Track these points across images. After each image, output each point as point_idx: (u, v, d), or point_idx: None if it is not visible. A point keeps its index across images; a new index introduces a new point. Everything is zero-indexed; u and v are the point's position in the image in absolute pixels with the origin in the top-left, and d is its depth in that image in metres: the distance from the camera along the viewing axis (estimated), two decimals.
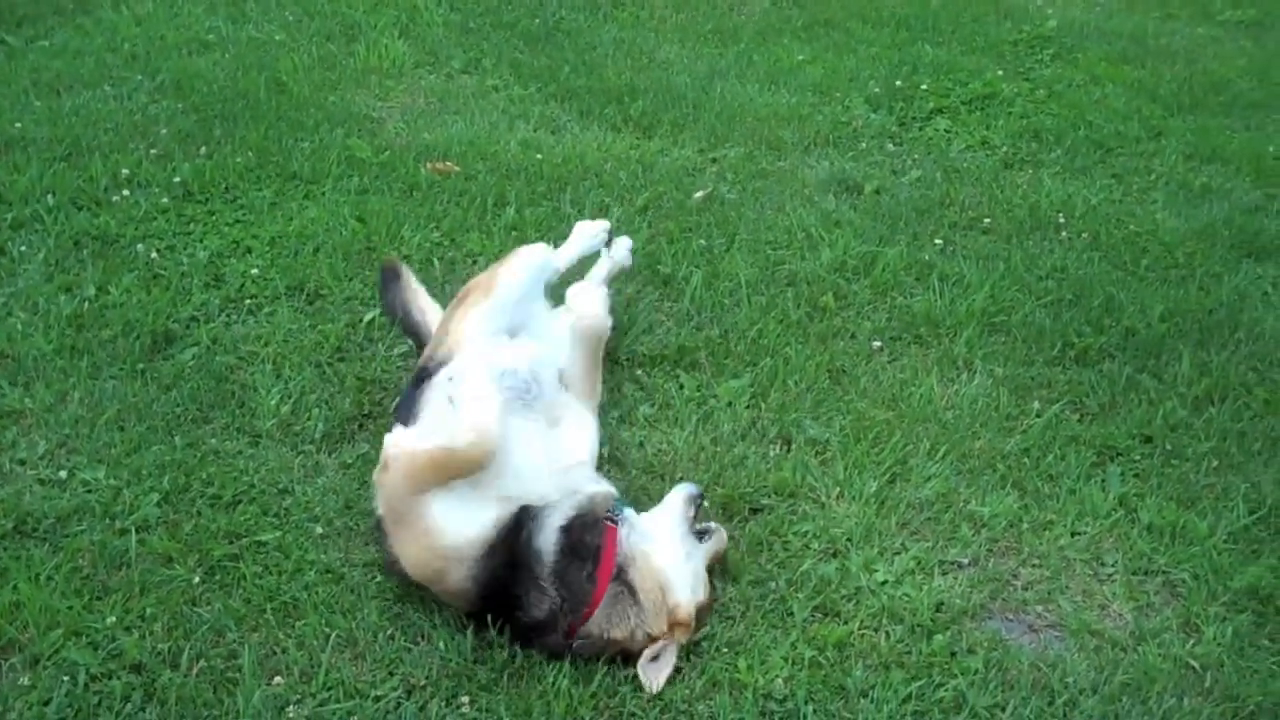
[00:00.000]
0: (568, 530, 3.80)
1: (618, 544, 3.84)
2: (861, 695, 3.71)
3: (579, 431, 4.37)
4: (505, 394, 4.08)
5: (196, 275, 5.53)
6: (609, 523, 3.89)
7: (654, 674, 3.68)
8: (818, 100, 8.22)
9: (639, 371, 5.12)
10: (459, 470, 3.76)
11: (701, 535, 4.04)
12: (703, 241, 6.18)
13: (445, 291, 5.49)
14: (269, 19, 8.83)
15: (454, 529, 3.74)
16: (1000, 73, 8.83)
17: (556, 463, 4.09)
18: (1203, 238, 6.62)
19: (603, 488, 4.06)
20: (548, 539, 3.77)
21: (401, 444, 3.88)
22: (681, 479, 4.36)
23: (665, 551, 3.89)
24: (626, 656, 3.75)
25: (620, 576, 3.79)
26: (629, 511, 4.03)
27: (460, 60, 8.48)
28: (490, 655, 3.70)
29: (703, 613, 3.86)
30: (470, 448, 3.77)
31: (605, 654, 3.74)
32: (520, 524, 3.78)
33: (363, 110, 7.54)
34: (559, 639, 3.71)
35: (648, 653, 3.71)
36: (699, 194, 6.72)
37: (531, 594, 3.71)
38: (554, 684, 3.59)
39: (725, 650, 3.81)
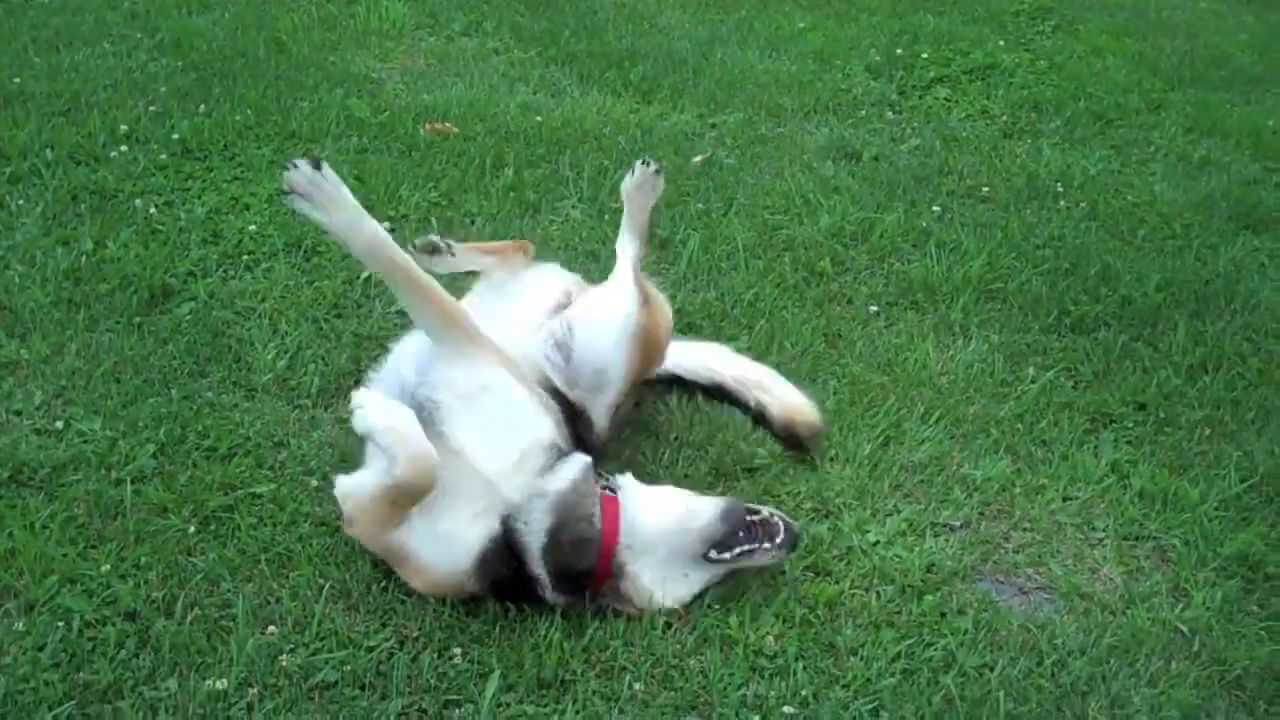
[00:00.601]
0: (554, 535, 3.70)
1: (618, 543, 3.77)
2: (851, 653, 3.72)
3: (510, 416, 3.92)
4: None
5: (194, 231, 5.52)
6: (607, 493, 3.85)
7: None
8: (818, 68, 8.23)
9: None
10: (411, 501, 3.63)
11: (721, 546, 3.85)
12: (701, 205, 6.18)
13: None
14: None
15: (442, 559, 3.66)
16: (1001, 43, 8.85)
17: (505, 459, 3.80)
18: (1200, 209, 6.64)
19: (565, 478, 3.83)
20: (536, 545, 3.69)
21: (350, 494, 3.72)
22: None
23: (663, 562, 3.82)
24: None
25: (619, 572, 3.76)
26: (629, 487, 3.93)
27: (461, 23, 8.47)
28: (483, 608, 3.71)
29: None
30: (414, 477, 3.58)
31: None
32: (510, 533, 3.69)
33: (362, 71, 7.53)
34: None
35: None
36: (698, 158, 6.73)
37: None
38: (546, 637, 3.60)
39: (716, 607, 3.82)
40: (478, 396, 3.84)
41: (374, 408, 3.67)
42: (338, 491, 3.77)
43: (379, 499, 3.63)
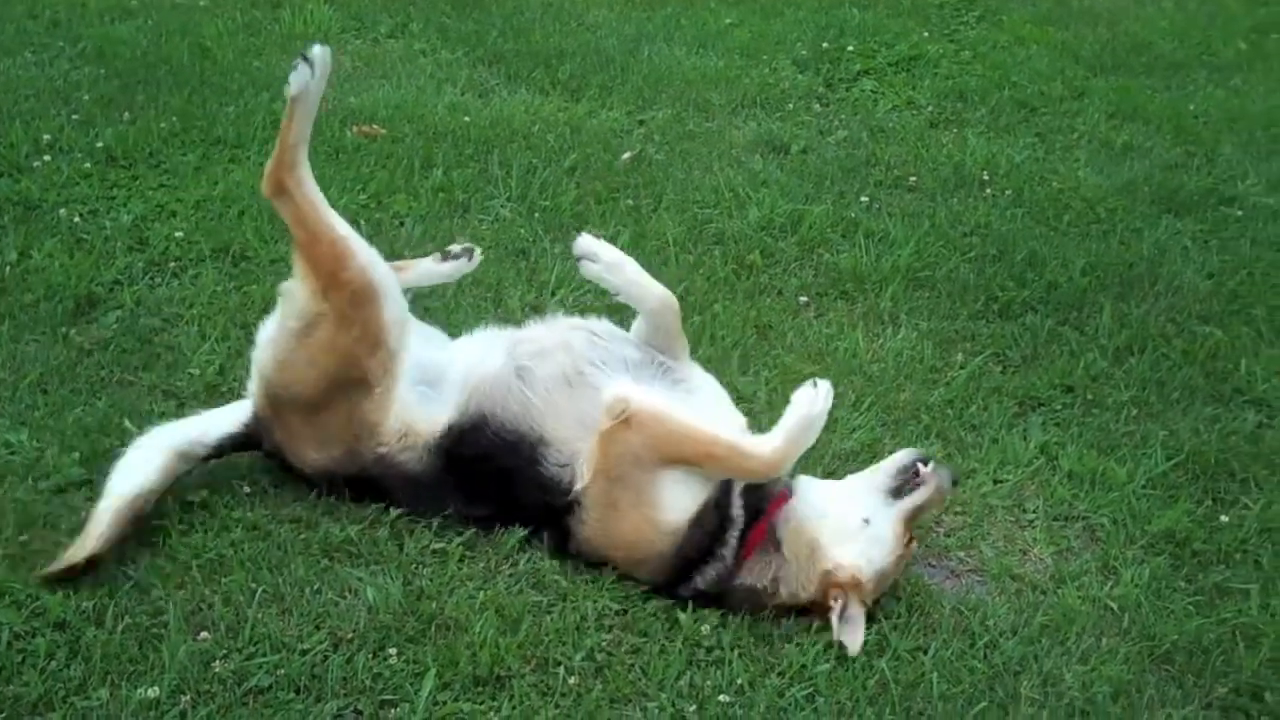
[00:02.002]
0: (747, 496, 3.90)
1: (781, 509, 3.89)
2: (786, 640, 3.75)
3: (718, 399, 4.25)
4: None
5: (120, 239, 5.48)
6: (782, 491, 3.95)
7: (847, 635, 3.71)
8: (745, 63, 8.26)
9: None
10: (729, 473, 3.85)
11: (899, 491, 3.94)
12: (630, 202, 6.20)
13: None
14: None
15: (677, 505, 3.82)
16: (926, 34, 8.92)
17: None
18: (1124, 194, 6.73)
19: None
20: (736, 509, 3.87)
21: (649, 405, 3.84)
22: None
23: (832, 518, 3.89)
24: (800, 612, 3.84)
25: (772, 535, 3.86)
26: (803, 480, 4.04)
27: (387, 25, 8.45)
28: (418, 606, 3.71)
29: (884, 576, 3.84)
30: (765, 466, 3.84)
31: (758, 607, 3.84)
32: (722, 498, 3.86)
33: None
34: (727, 598, 3.85)
35: (834, 613, 3.74)
36: (626, 155, 6.74)
37: (711, 562, 3.83)
38: (480, 634, 3.61)
39: (663, 600, 3.84)
40: (702, 388, 4.19)
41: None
42: (620, 391, 3.87)
43: (710, 450, 3.80)
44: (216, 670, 3.46)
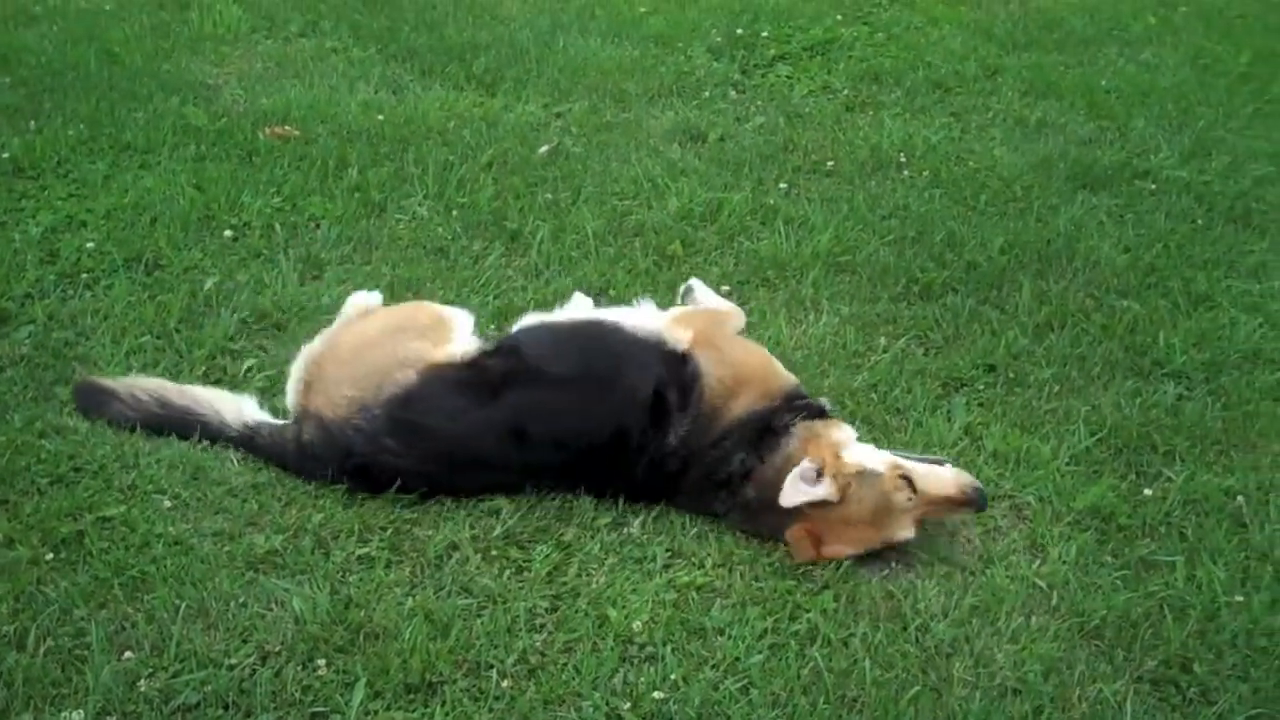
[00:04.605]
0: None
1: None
2: (719, 633, 3.74)
3: None
4: None
5: (30, 252, 5.39)
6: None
7: (792, 487, 4.01)
8: (660, 51, 8.24)
9: (490, 328, 5.08)
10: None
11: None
12: (549, 196, 6.17)
13: (290, 256, 5.44)
14: None
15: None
16: (839, 18, 8.94)
17: None
18: (1039, 171, 6.76)
19: None
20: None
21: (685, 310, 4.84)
22: None
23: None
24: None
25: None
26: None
27: (298, 23, 8.37)
28: (346, 615, 3.68)
29: (860, 487, 4.08)
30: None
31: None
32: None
33: (198, 78, 7.40)
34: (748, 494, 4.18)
35: (809, 464, 4.05)
36: (544, 149, 6.70)
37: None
38: (410, 641, 3.58)
39: (594, 597, 3.83)
40: None
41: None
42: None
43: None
44: (142, 690, 3.42)
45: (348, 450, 4.17)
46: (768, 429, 4.20)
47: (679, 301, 4.96)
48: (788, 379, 4.47)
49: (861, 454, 4.13)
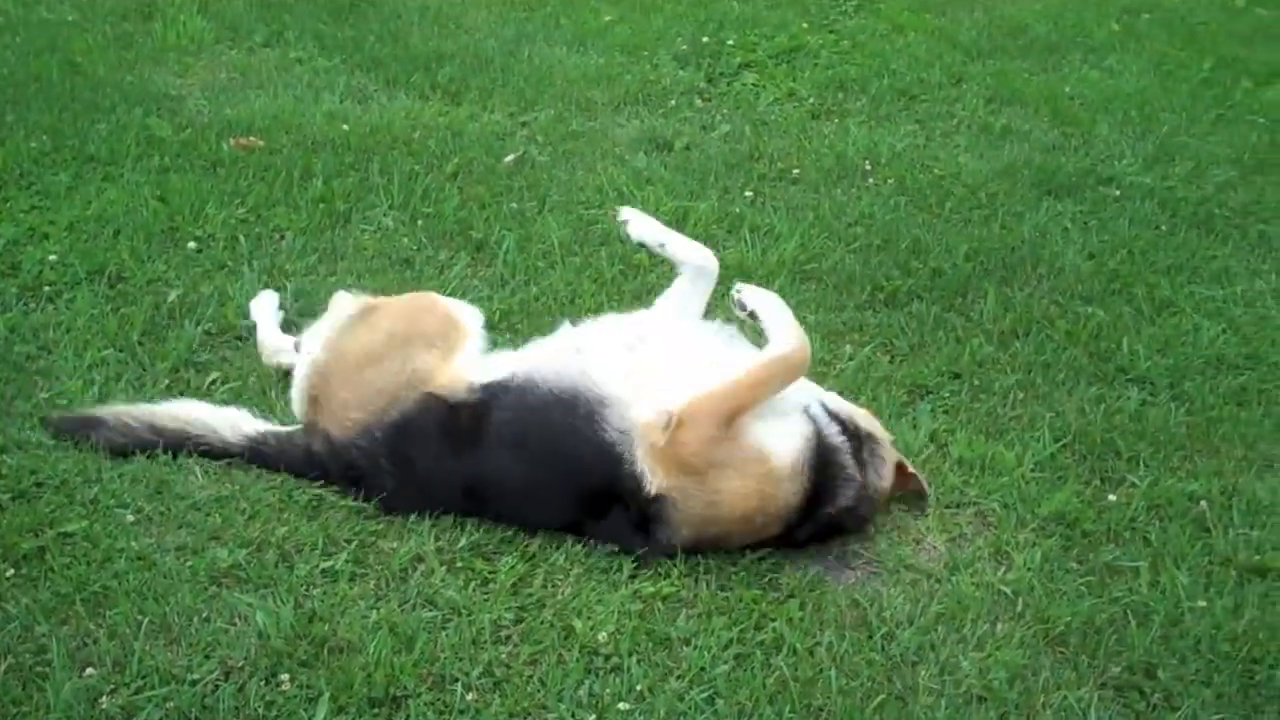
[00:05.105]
0: (837, 419, 4.20)
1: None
2: (685, 643, 3.73)
3: None
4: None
5: None
6: None
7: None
8: (626, 60, 8.25)
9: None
10: (785, 383, 4.11)
11: None
12: (514, 205, 6.16)
13: (254, 267, 5.42)
14: None
15: (783, 445, 4.01)
16: (805, 25, 8.96)
17: None
18: (1004, 178, 6.80)
19: None
20: (835, 432, 4.14)
21: (692, 399, 3.97)
22: None
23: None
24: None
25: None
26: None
27: (262, 34, 8.32)
28: (310, 630, 3.65)
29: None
30: (803, 354, 4.16)
31: (877, 508, 4.24)
32: (818, 427, 4.12)
33: (161, 89, 7.36)
34: (862, 509, 4.14)
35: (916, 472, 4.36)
36: (509, 158, 6.70)
37: (840, 483, 4.08)
38: (374, 654, 3.56)
39: (559, 608, 3.82)
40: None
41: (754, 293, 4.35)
42: (661, 409, 3.98)
43: (755, 380, 4.05)
44: (104, 706, 3.39)
45: (350, 465, 4.20)
46: None
47: (734, 310, 4.39)
48: (789, 496, 4.03)
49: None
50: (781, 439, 4.02)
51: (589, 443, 4.01)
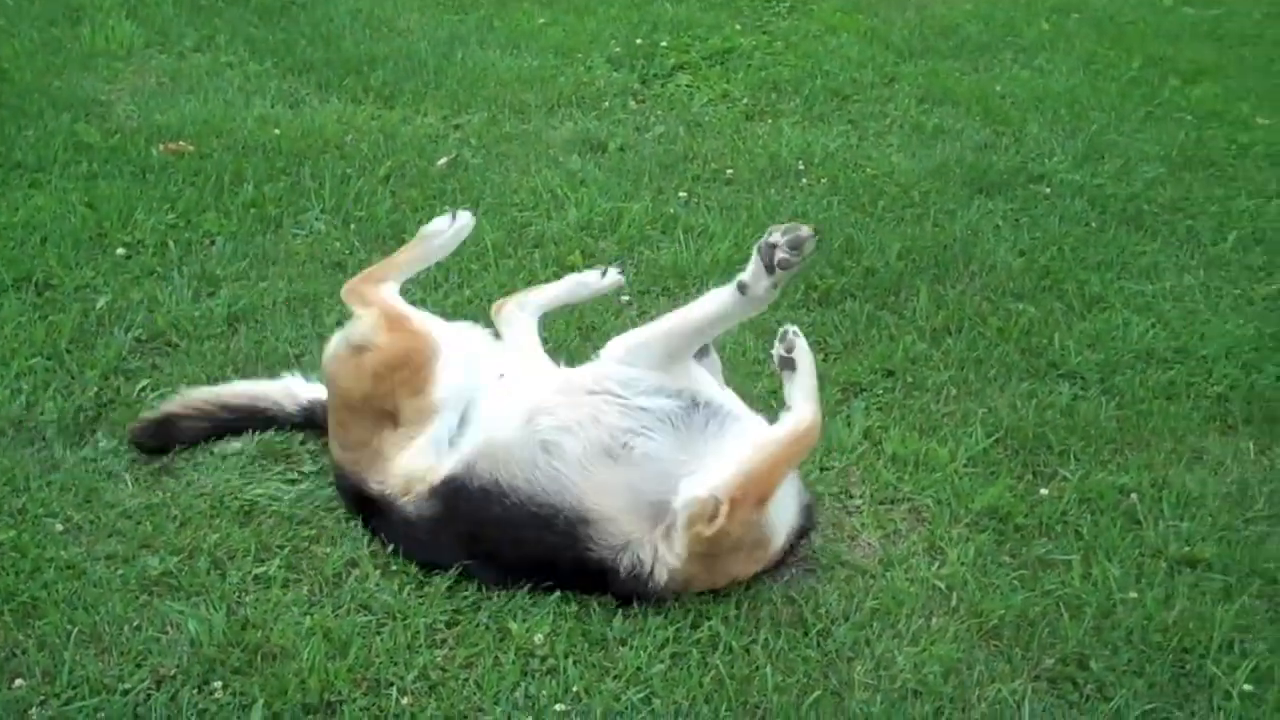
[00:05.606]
0: None
1: None
2: (621, 644, 3.73)
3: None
4: None
5: None
6: None
7: None
8: (560, 62, 8.25)
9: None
10: (803, 458, 4.05)
11: None
12: (447, 207, 6.05)
13: (184, 273, 5.37)
14: None
15: (783, 527, 3.94)
16: (738, 27, 8.99)
17: None
18: (936, 176, 6.85)
19: None
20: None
21: (731, 485, 3.73)
22: None
23: None
24: None
25: None
26: None
27: (192, 39, 8.26)
28: (243, 637, 3.62)
29: None
30: (819, 424, 3.99)
31: None
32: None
33: (90, 94, 7.29)
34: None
35: None
36: (442, 161, 6.68)
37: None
38: (308, 660, 3.53)
39: (495, 611, 3.81)
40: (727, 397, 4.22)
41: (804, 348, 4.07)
42: (698, 497, 3.74)
43: (776, 461, 3.83)
44: (34, 718, 3.35)
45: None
46: None
47: (776, 345, 4.12)
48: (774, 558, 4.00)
49: None
50: (784, 518, 3.94)
51: (572, 561, 3.83)
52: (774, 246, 3.81)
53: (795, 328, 4.12)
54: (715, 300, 4.01)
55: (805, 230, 3.81)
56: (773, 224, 3.91)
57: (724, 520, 3.72)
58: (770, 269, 3.84)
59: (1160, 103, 8.14)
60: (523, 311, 4.73)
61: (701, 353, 4.28)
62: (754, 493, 3.75)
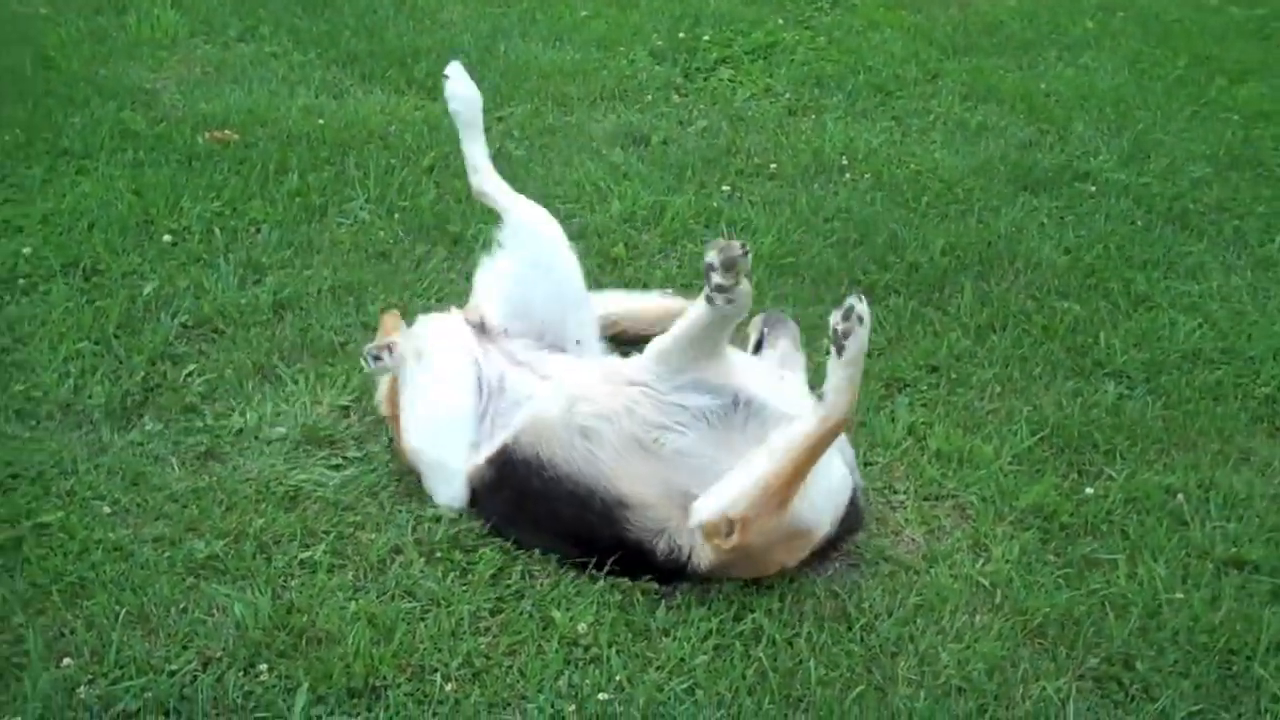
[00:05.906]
0: None
1: None
2: (664, 634, 3.73)
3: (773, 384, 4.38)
4: None
5: None
6: None
7: None
8: (602, 55, 8.24)
9: None
10: (829, 446, 3.77)
11: None
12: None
13: (230, 260, 5.40)
14: None
15: (825, 515, 3.92)
16: (781, 21, 8.96)
17: None
18: (980, 174, 6.81)
19: None
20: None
21: (741, 501, 3.71)
22: None
23: None
24: None
25: None
26: None
27: (236, 28, 8.29)
28: (288, 620, 3.64)
29: None
30: (848, 417, 3.82)
31: None
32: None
33: (136, 82, 7.33)
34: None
35: None
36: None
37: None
38: (353, 645, 3.54)
39: (538, 599, 3.81)
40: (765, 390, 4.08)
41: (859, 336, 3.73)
42: (712, 512, 3.75)
43: (799, 463, 3.69)
44: (81, 697, 3.37)
45: None
46: None
47: (835, 314, 3.75)
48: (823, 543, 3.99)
49: None
50: (825, 505, 3.91)
51: (611, 538, 3.88)
52: (711, 269, 3.70)
53: (864, 305, 3.71)
54: (694, 311, 3.85)
55: (737, 248, 3.67)
56: (711, 240, 3.88)
57: (739, 537, 3.73)
58: (710, 298, 3.75)
59: (1206, 102, 8.07)
60: None
61: (777, 335, 4.45)
62: (770, 503, 3.70)
